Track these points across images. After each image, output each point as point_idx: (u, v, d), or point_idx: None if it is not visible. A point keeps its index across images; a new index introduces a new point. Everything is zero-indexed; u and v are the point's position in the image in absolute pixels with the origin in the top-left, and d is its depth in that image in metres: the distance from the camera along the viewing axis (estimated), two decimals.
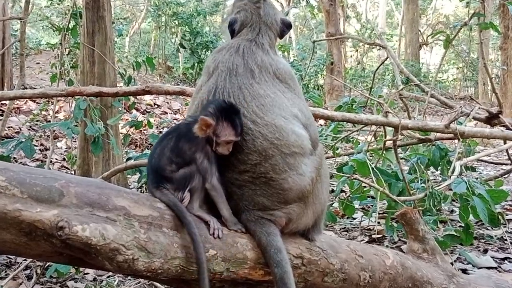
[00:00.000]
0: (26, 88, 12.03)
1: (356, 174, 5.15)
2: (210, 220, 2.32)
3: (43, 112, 11.59)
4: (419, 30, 28.09)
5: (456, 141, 5.45)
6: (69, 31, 6.91)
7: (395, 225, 5.13)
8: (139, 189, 6.67)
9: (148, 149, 10.87)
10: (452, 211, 6.13)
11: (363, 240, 5.35)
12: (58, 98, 8.86)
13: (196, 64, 21.67)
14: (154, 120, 12.26)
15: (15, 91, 5.11)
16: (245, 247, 2.36)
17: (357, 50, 32.49)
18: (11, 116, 10.34)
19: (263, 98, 2.41)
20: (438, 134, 5.38)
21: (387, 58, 7.49)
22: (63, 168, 9.22)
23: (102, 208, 2.05)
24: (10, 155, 4.87)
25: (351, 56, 34.28)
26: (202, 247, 2.16)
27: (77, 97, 5.45)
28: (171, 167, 2.30)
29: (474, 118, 6.00)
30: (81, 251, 2.00)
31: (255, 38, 2.65)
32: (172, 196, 2.25)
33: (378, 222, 5.55)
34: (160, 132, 12.54)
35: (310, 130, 2.52)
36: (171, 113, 15.18)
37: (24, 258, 4.67)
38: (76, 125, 6.16)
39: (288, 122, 2.41)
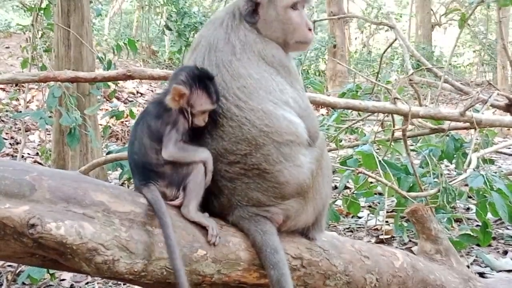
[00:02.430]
0: None
1: (361, 168, 5.14)
2: (209, 226, 2.32)
3: (13, 102, 11.54)
4: (431, 9, 28.05)
5: (472, 131, 5.45)
6: (42, 11, 6.87)
7: (405, 224, 5.14)
8: (121, 186, 6.67)
9: None
10: (468, 209, 6.15)
11: (369, 241, 5.36)
12: (30, 86, 8.84)
13: (183, 48, 21.57)
14: (137, 110, 12.22)
15: None
16: (238, 247, 2.36)
17: (362, 32, 32.43)
18: None
19: (244, 78, 2.40)
20: (453, 123, 5.37)
21: (395, 40, 7.48)
22: (36, 163, 9.19)
23: (78, 204, 2.05)
24: None
25: (355, 38, 34.22)
26: (177, 252, 2.12)
27: (51, 83, 5.44)
28: (158, 159, 2.28)
29: (493, 106, 6.01)
30: (55, 252, 1.99)
31: (235, 12, 2.60)
32: (157, 193, 2.23)
33: (386, 221, 5.55)
34: None
35: (307, 123, 2.50)
36: None
37: None
38: (50, 116, 6.16)
39: (277, 108, 2.40)
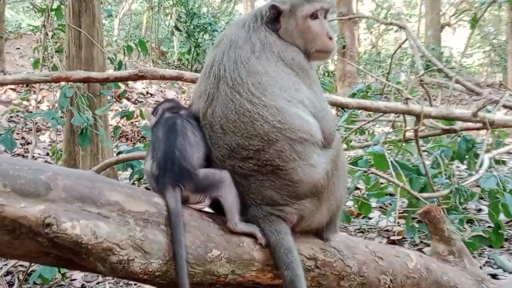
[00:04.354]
0: (4, 74, 12.05)
1: (372, 168, 5.12)
2: (255, 232, 2.37)
3: (24, 102, 11.59)
4: (441, 10, 27.97)
5: (483, 131, 5.42)
6: (53, 12, 6.89)
7: (417, 225, 5.11)
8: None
9: (140, 142, 10.87)
10: (479, 210, 6.11)
11: (381, 242, 5.33)
12: (41, 86, 8.87)
13: (192, 49, 21.63)
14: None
15: None
16: (253, 247, 2.36)
17: (371, 32, 32.38)
18: None
19: (260, 75, 2.41)
20: (464, 124, 5.34)
21: (406, 40, 7.44)
22: (46, 163, 9.22)
23: (93, 203, 2.04)
24: None
25: (365, 39, 34.17)
26: (185, 272, 2.12)
27: (62, 84, 5.45)
28: (194, 167, 2.32)
29: (505, 106, 5.96)
30: (70, 251, 1.99)
31: (258, 16, 2.64)
32: (179, 200, 2.23)
33: (397, 222, 5.53)
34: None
35: (322, 124, 2.49)
36: None
37: (5, 263, 4.68)
38: (61, 116, 6.16)
39: (291, 105, 2.40)
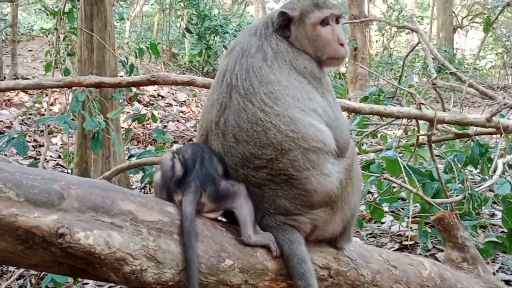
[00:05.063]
0: (18, 78, 12.11)
1: (384, 174, 5.09)
2: (269, 243, 2.36)
3: (36, 105, 11.63)
4: (453, 12, 27.85)
5: (497, 136, 5.38)
6: (65, 15, 6.91)
7: (429, 230, 5.08)
8: (142, 190, 6.68)
9: (151, 145, 10.88)
10: (493, 215, 6.07)
11: (393, 247, 5.31)
12: (54, 89, 8.89)
13: (203, 51, 21.64)
14: (158, 113, 12.26)
15: (7, 81, 5.13)
16: (266, 256, 2.35)
17: (383, 35, 32.27)
18: (1, 109, 10.40)
19: (272, 85, 2.39)
20: (478, 128, 5.30)
21: (418, 43, 7.41)
22: (58, 166, 9.25)
23: (106, 213, 2.04)
24: (0, 152, 4.88)
25: (376, 41, 34.05)
26: (196, 277, 2.12)
27: (74, 88, 5.45)
28: (218, 178, 2.34)
29: None
30: (83, 261, 1.99)
31: (268, 23, 2.62)
32: (194, 211, 2.23)
33: (410, 227, 5.49)
34: (165, 126, 12.55)
35: (336, 133, 2.47)
36: (177, 105, 15.16)
37: (17, 267, 4.69)
38: (72, 119, 6.18)
39: (305, 115, 2.38)
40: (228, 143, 2.39)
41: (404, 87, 5.98)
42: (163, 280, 2.07)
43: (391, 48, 31.49)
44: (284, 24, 2.59)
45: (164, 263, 2.07)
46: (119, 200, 2.10)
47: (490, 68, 31.37)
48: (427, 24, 32.60)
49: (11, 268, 4.90)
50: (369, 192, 6.21)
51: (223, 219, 2.47)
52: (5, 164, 2.01)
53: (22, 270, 4.50)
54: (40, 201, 1.95)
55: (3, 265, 4.97)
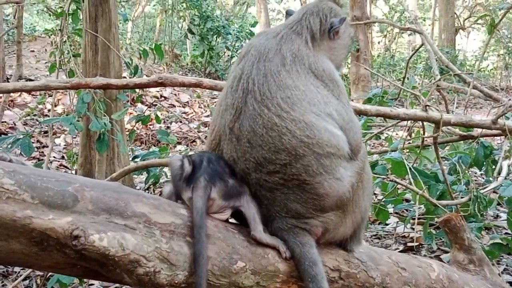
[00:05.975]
0: (21, 79, 12.12)
1: (389, 175, 5.10)
2: (278, 246, 2.37)
3: (39, 106, 11.64)
4: (455, 13, 27.86)
5: (502, 138, 5.39)
6: (70, 16, 6.91)
7: (434, 232, 5.09)
8: (146, 191, 6.68)
9: (155, 146, 10.90)
10: (497, 216, 6.07)
11: (397, 248, 5.32)
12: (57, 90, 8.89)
13: (206, 52, 21.65)
14: (161, 114, 12.28)
15: (14, 83, 5.15)
16: (277, 258, 2.36)
17: (385, 36, 32.29)
18: (5, 109, 10.40)
19: (290, 89, 2.39)
20: (483, 130, 5.31)
21: (422, 45, 7.42)
22: (62, 167, 9.27)
23: (120, 215, 2.05)
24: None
25: (378, 43, 34.06)
26: (205, 273, 2.13)
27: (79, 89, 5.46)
28: (226, 175, 2.36)
29: None
30: (97, 263, 2.00)
31: (297, 27, 2.65)
32: (205, 206, 2.24)
33: (414, 229, 5.50)
34: (168, 127, 12.57)
35: (349, 136, 2.48)
36: (180, 106, 15.18)
37: (22, 268, 4.70)
38: (77, 120, 6.18)
39: (320, 120, 2.38)
40: (242, 148, 2.39)
41: (408, 88, 5.99)
42: (176, 282, 2.08)
43: (393, 50, 31.51)
44: (329, 32, 2.71)
45: (177, 265, 2.08)
46: (132, 202, 2.11)
47: (492, 69, 31.37)
48: (429, 25, 32.62)
49: (16, 269, 4.91)
50: (374, 194, 6.21)
51: (235, 221, 2.48)
52: (20, 166, 2.01)
53: (28, 271, 4.50)
54: (55, 203, 1.95)
55: (8, 266, 4.99)
